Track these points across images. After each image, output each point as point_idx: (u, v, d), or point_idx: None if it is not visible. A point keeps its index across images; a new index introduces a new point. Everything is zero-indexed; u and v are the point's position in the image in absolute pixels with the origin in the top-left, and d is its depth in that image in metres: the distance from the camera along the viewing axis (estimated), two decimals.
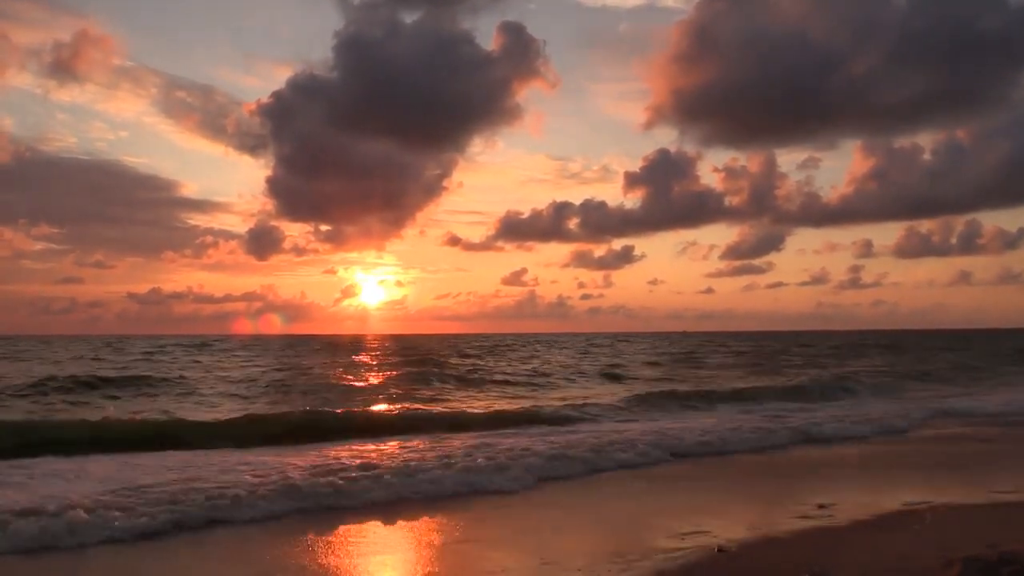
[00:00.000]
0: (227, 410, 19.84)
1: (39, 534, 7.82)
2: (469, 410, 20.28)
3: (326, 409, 19.30)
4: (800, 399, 24.16)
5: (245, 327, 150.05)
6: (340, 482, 10.10)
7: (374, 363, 42.65)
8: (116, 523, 8.18)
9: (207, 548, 7.92)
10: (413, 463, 11.37)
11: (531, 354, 55.01)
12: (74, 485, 9.96)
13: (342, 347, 72.47)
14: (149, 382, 26.54)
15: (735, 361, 46.39)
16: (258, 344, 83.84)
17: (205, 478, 10.35)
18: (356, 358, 48.34)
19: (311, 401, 22.63)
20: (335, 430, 15.80)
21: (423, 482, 10.50)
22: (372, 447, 13.80)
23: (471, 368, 37.42)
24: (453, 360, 44.00)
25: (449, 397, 24.93)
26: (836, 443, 15.39)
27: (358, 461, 11.62)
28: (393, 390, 26.67)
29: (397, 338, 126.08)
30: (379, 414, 19.51)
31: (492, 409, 20.40)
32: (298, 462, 11.69)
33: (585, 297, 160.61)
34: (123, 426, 16.15)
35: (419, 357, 47.32)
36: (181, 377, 29.12)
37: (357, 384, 29.08)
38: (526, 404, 22.13)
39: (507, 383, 29.92)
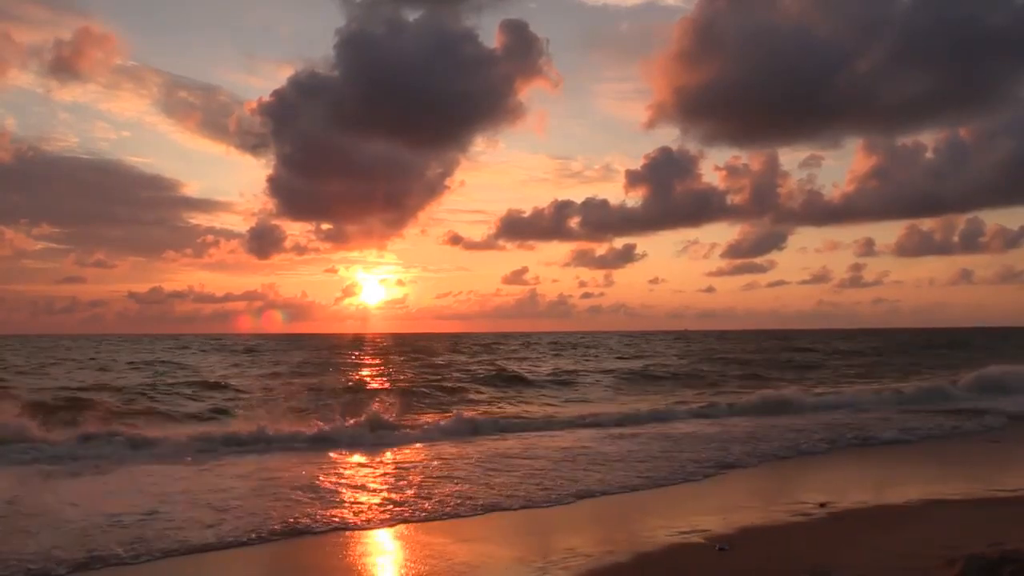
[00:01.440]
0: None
1: None
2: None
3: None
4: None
5: (246, 326, 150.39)
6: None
7: (443, 366, 39.90)
8: None
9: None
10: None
11: (571, 354, 54.49)
12: None
13: (376, 348, 71.86)
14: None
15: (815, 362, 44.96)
16: (278, 344, 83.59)
17: None
18: (419, 360, 46.26)
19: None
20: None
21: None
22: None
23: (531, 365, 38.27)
24: (510, 362, 43.60)
25: (579, 398, 25.56)
26: None
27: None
28: (516, 392, 26.98)
29: (405, 337, 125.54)
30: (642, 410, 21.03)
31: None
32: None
33: (586, 296, 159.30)
34: None
35: (473, 358, 46.49)
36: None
37: (475, 386, 28.22)
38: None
39: (596, 385, 29.91)
